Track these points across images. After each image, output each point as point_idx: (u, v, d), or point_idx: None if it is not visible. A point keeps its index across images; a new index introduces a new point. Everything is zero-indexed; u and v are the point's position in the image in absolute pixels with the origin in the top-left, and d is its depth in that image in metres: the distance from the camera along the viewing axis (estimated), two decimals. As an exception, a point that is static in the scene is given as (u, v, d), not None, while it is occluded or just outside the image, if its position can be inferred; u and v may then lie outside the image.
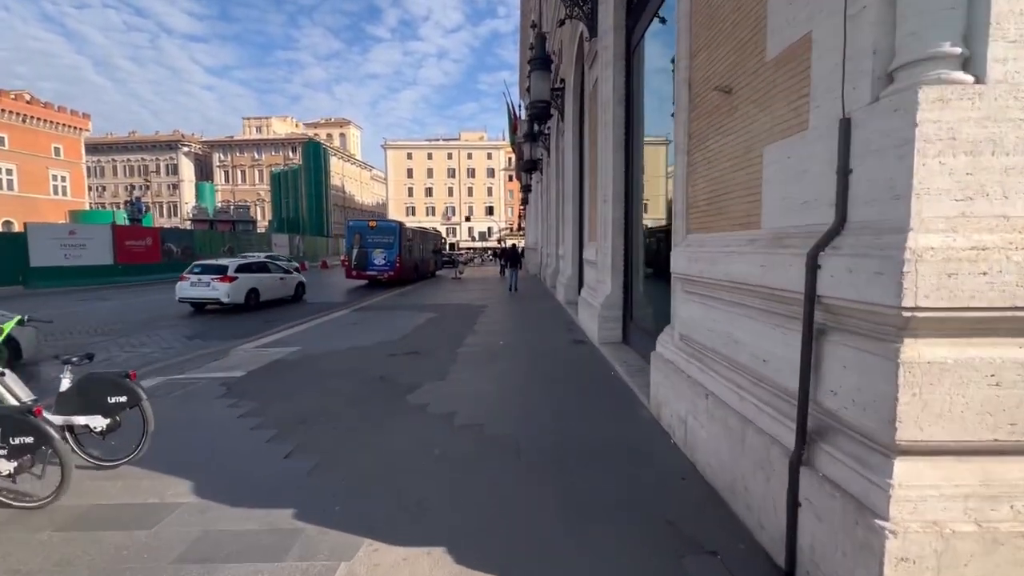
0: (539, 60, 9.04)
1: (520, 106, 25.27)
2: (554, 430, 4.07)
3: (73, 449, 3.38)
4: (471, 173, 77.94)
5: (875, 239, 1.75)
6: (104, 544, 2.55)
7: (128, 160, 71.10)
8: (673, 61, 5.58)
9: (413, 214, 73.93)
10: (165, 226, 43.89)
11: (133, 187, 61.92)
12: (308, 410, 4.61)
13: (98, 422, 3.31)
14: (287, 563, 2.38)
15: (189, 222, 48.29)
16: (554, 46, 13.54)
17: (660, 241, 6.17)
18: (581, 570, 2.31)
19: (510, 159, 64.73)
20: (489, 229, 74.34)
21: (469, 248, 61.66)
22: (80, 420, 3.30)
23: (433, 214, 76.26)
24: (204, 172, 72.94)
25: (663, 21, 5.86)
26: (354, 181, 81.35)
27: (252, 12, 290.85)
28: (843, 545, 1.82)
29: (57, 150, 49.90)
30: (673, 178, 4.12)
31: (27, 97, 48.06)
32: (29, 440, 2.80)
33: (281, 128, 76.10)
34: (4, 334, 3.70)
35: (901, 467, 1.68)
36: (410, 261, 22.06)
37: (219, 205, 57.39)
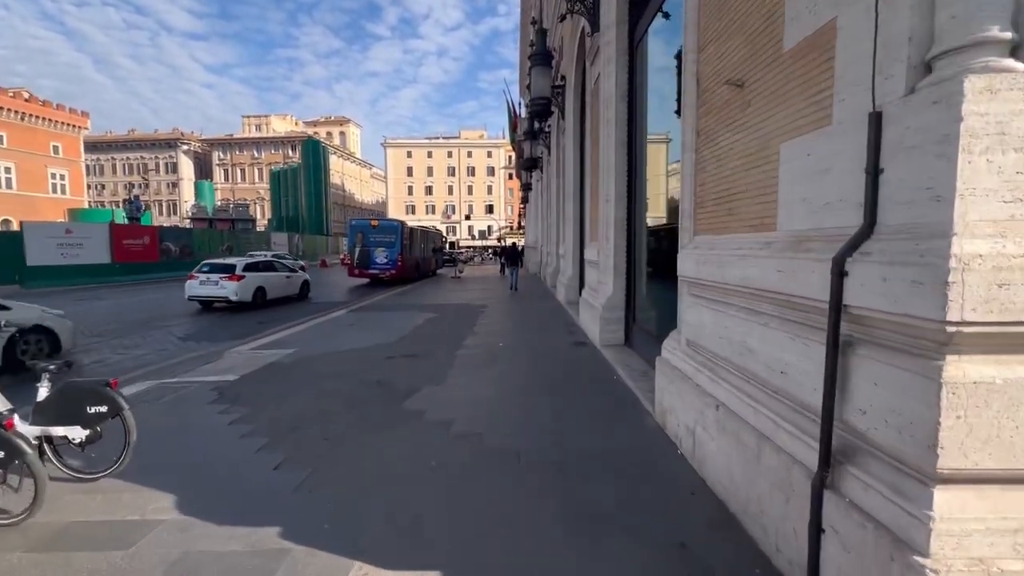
0: (540, 56, 8.85)
1: (520, 104, 25.08)
2: (555, 439, 3.91)
3: (52, 461, 3.24)
4: (471, 171, 77.71)
5: (913, 244, 1.58)
6: (76, 568, 2.39)
7: (127, 158, 70.92)
8: (678, 57, 5.43)
9: (413, 212, 73.72)
10: (165, 225, 43.75)
11: (132, 185, 61.74)
12: (301, 417, 4.45)
13: (77, 433, 3.15)
14: (270, 590, 2.22)
15: (188, 221, 48.08)
16: (555, 43, 13.35)
17: (664, 241, 6.01)
18: (586, 598, 2.15)
19: (510, 157, 64.49)
20: (489, 227, 74.13)
21: (469, 247, 61.46)
22: (58, 431, 3.14)
23: (433, 212, 76.05)
24: (204, 170, 72.76)
25: (667, 16, 5.69)
26: (354, 179, 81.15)
27: (252, 10, 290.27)
28: (874, 580, 1.66)
29: (56, 148, 49.73)
30: (680, 177, 3.96)
31: (25, 95, 47.86)
32: (0, 454, 2.65)
33: (281, 126, 75.88)
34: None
35: (942, 497, 1.52)
36: (411, 260, 22.10)
37: (218, 203, 57.19)
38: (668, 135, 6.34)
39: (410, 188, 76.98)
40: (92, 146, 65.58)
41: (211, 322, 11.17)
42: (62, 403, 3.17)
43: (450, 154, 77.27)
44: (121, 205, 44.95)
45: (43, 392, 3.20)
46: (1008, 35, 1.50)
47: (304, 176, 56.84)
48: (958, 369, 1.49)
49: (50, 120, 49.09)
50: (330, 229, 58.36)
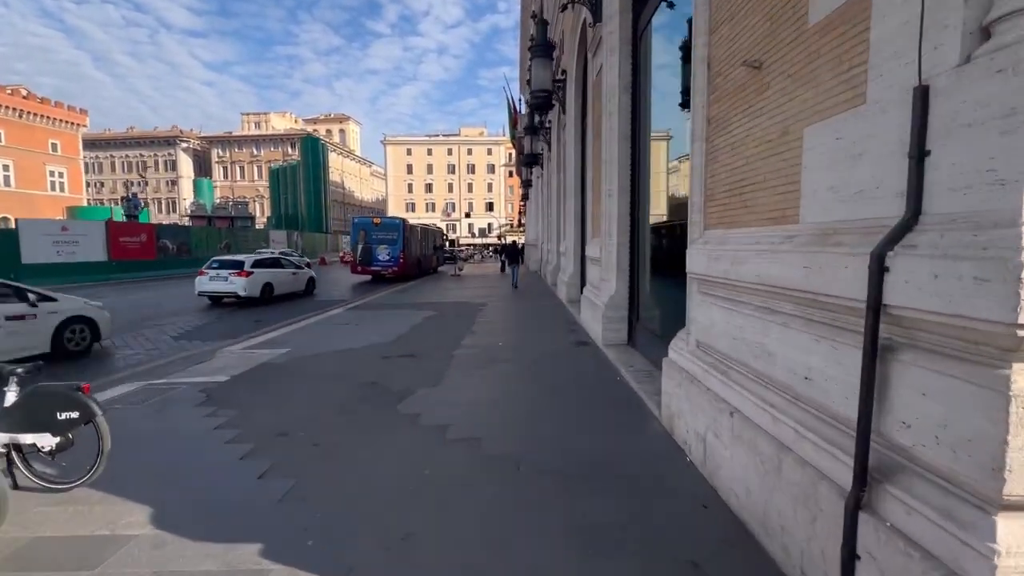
0: (540, 47, 8.60)
1: (520, 101, 24.81)
2: (557, 445, 3.70)
3: (21, 470, 3.04)
4: (471, 169, 77.33)
5: (971, 236, 1.37)
6: (35, 591, 2.19)
7: (126, 156, 70.57)
8: (684, 45, 5.22)
9: (413, 210, 73.43)
10: (164, 222, 43.50)
11: (131, 183, 61.48)
12: (290, 421, 4.25)
13: (46, 440, 2.95)
14: (245, 617, 2.02)
15: (187, 218, 47.82)
16: (556, 36, 13.11)
17: (669, 237, 5.80)
18: (591, 628, 1.95)
19: (510, 155, 64.17)
20: (489, 225, 73.83)
21: (469, 244, 61.20)
22: (26, 438, 2.95)
23: (433, 210, 75.75)
24: (203, 168, 72.44)
25: (671, 5, 5.47)
26: (353, 177, 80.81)
27: (251, 7, 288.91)
28: (922, 617, 1.45)
29: (54, 146, 49.40)
30: (688, 169, 3.74)
31: (23, 92, 47.54)
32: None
33: (280, 124, 75.49)
34: None
35: (1007, 527, 1.31)
36: (413, 257, 22.21)
37: (217, 201, 56.90)
38: (670, 132, 6.13)
39: (410, 186, 76.64)
40: (91, 144, 65.24)
41: (208, 320, 10.96)
42: (30, 408, 2.97)
43: (450, 151, 76.88)
44: (120, 203, 44.71)
45: (11, 396, 3.00)
46: (1087, -9, 1.29)
47: (303, 174, 56.48)
48: (1028, 380, 1.29)
49: (48, 117, 48.76)
50: (329, 227, 58.08)
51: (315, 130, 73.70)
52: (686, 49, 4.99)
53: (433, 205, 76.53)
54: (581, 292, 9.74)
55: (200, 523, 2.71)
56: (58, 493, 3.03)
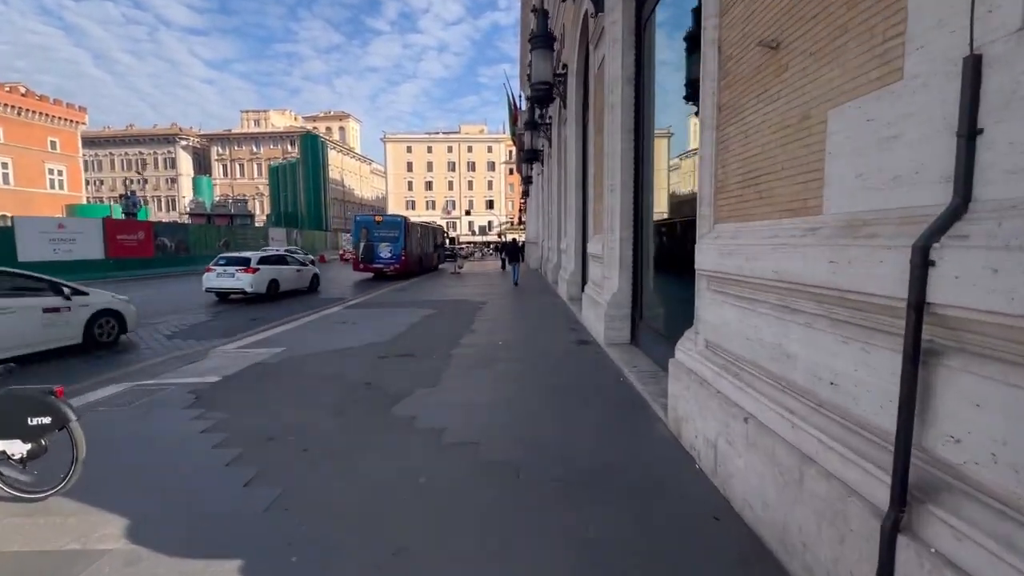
0: (541, 38, 8.37)
1: (520, 97, 24.57)
2: (558, 450, 3.53)
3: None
4: (471, 167, 77.03)
5: (1040, 223, 1.19)
6: (-7, 614, 2.02)
7: (126, 154, 70.36)
8: (687, 37, 5.02)
9: (413, 208, 73.20)
10: (164, 220, 43.31)
11: (130, 181, 61.24)
12: (280, 424, 4.08)
13: (16, 448, 2.79)
14: (218, 646, 1.85)
15: (187, 216, 47.62)
16: (556, 28, 12.88)
17: (675, 232, 5.61)
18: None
19: (510, 152, 63.91)
20: (489, 223, 73.59)
21: (469, 242, 60.99)
22: (-4, 446, 2.78)
23: (433, 208, 75.51)
24: (202, 166, 72.24)
25: (676, -7, 5.27)
26: (353, 175, 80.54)
27: (251, 4, 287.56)
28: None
29: (53, 143, 49.19)
30: (698, 160, 3.55)
31: (22, 90, 47.31)
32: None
33: (280, 121, 75.17)
34: None
35: (1083, 562, 1.13)
36: (414, 255, 22.28)
37: (217, 199, 56.69)
38: (671, 129, 5.93)
39: (410, 183, 76.36)
40: (90, 141, 65.06)
41: (205, 319, 10.79)
42: (0, 415, 2.80)
43: (450, 149, 76.57)
44: (119, 200, 44.51)
45: (-21, 401, 2.83)
46: None
47: (303, 171, 56.18)
48: (1110, 391, 1.10)
49: (47, 115, 48.54)
50: (329, 225, 57.82)
51: (315, 128, 73.39)
52: (691, 39, 4.81)
53: (433, 203, 76.29)
54: (582, 290, 9.55)
55: (179, 536, 2.54)
56: (31, 503, 2.86)
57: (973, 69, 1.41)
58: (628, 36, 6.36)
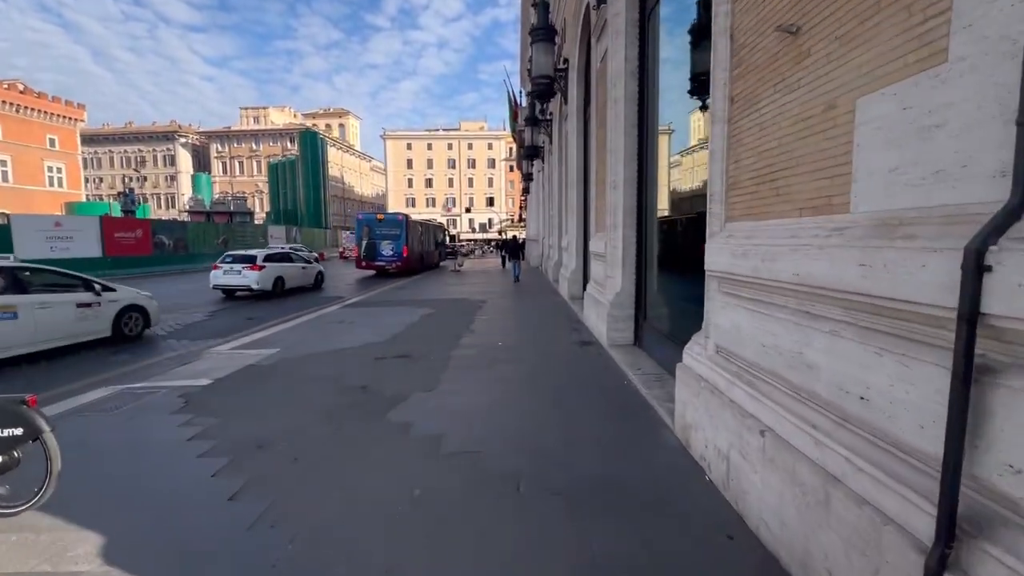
0: (541, 30, 8.17)
1: (521, 94, 24.34)
2: (561, 459, 3.36)
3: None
4: (471, 164, 76.71)
5: None
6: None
7: (125, 151, 70.10)
8: (693, 28, 4.83)
9: (413, 205, 72.97)
10: (163, 218, 43.14)
11: (129, 178, 61.01)
12: (271, 431, 3.92)
13: (-15, 461, 2.62)
14: None
15: (186, 214, 47.43)
16: (557, 23, 12.66)
17: (681, 230, 5.44)
18: None
19: (511, 149, 63.62)
20: (490, 220, 73.31)
21: (470, 240, 60.79)
22: (-36, 458, 2.62)
23: (433, 205, 75.27)
24: (202, 163, 72.00)
25: (681, -16, 5.08)
26: (353, 172, 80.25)
27: (250, 1, 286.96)
28: None
29: (52, 141, 48.99)
30: (708, 154, 3.37)
31: (20, 87, 47.07)
32: None
33: (279, 118, 74.83)
34: None
35: None
36: (416, 252, 22.35)
37: (216, 196, 56.53)
38: (671, 126, 5.74)
39: (410, 180, 76.08)
40: (89, 139, 64.80)
41: (202, 318, 10.64)
42: (-31, 425, 2.64)
43: (450, 146, 76.24)
44: (118, 198, 44.33)
45: (-53, 411, 2.67)
46: None
47: (302, 169, 55.90)
48: None
49: (46, 112, 48.32)
50: (328, 222, 57.62)
51: (314, 125, 73.07)
52: (697, 29, 4.62)
53: (433, 200, 76.04)
54: (584, 289, 9.38)
55: (157, 556, 2.39)
56: (2, 518, 2.70)
57: (1037, 47, 1.23)
58: (632, 28, 6.17)
